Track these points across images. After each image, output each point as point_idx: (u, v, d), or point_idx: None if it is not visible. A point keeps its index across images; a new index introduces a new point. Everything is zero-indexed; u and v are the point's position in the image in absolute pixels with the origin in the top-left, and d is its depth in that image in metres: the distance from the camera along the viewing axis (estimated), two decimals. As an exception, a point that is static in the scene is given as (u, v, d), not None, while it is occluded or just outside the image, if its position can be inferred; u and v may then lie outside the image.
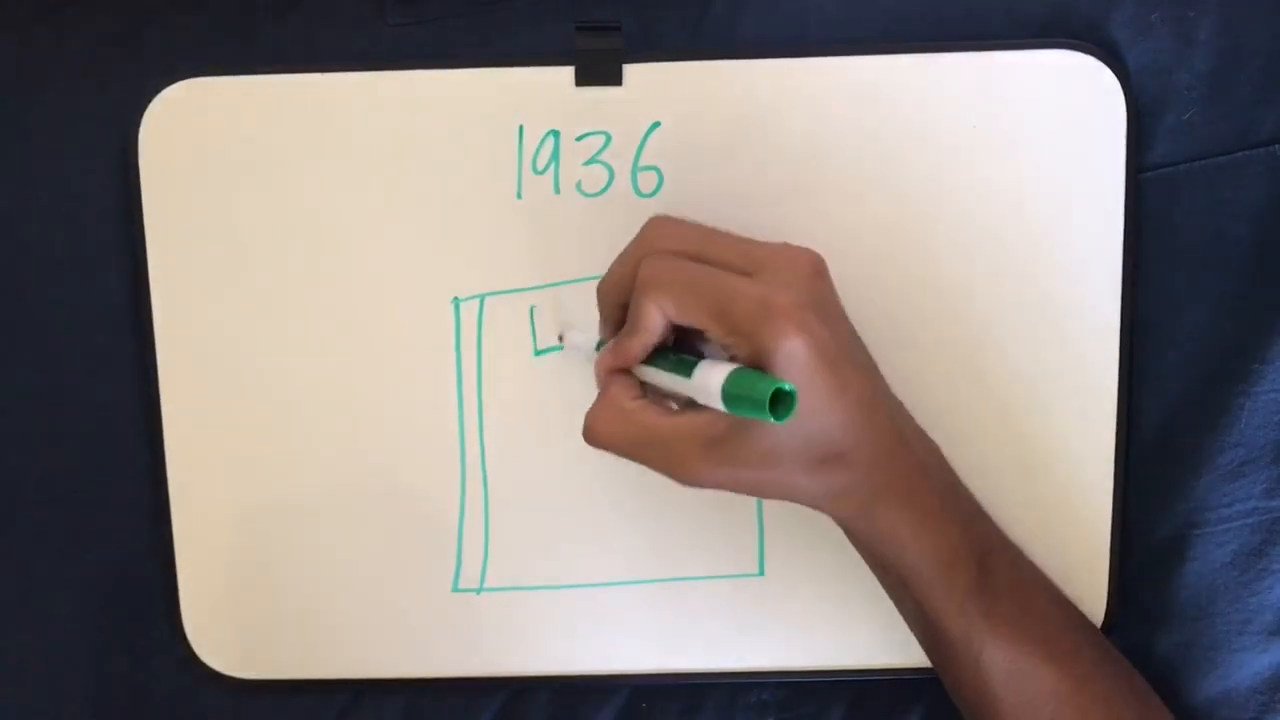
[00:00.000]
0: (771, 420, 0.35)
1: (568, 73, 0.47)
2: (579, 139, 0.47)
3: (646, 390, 0.42)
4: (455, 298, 0.48)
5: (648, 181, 0.47)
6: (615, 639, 0.50)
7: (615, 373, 0.41)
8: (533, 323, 0.48)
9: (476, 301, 0.48)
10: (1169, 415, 0.48)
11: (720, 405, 0.37)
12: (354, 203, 0.48)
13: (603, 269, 0.48)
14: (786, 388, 0.35)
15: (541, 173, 0.47)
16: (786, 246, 0.40)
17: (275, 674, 0.51)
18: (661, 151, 0.47)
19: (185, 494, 0.49)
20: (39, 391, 0.50)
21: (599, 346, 0.44)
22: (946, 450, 0.46)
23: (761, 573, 0.50)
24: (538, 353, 0.49)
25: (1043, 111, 0.47)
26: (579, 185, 0.48)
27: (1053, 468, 0.49)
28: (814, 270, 0.40)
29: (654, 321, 0.39)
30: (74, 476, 0.50)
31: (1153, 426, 0.48)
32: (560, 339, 0.48)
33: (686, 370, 0.39)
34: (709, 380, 0.37)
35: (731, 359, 0.39)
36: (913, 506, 0.41)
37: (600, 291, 0.43)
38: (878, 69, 0.47)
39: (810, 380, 0.37)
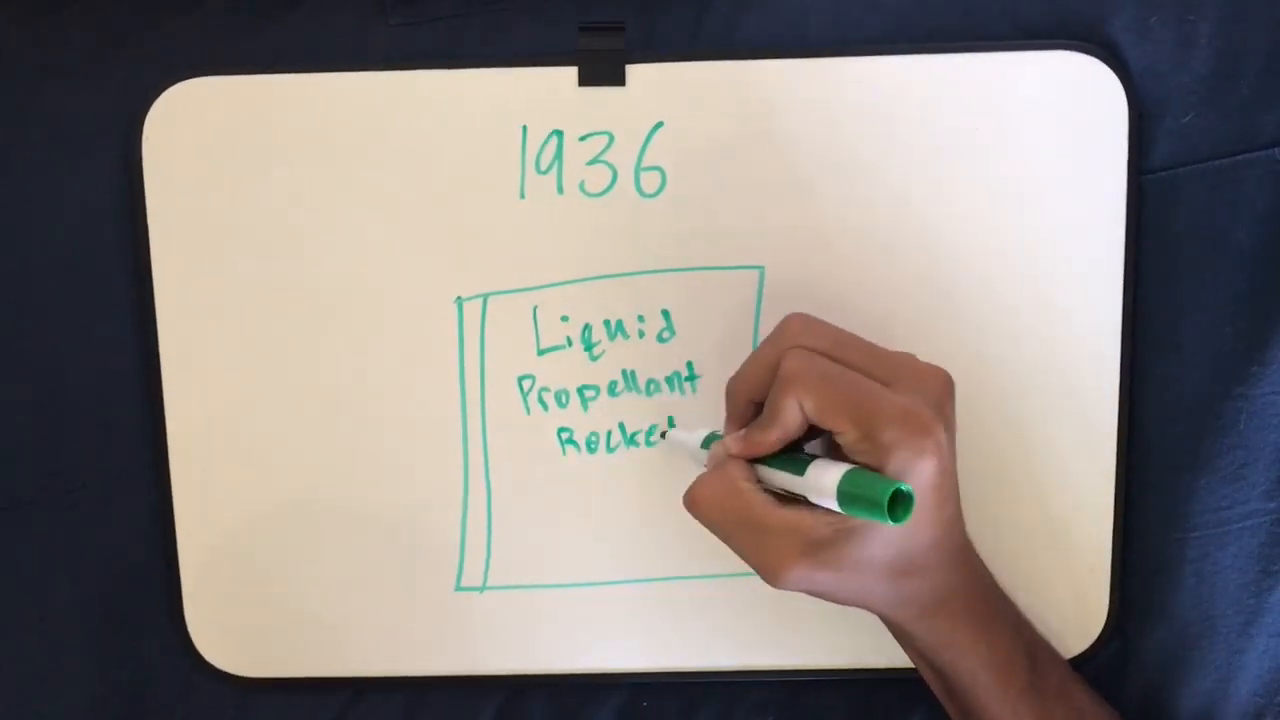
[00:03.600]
0: (889, 522, 0.36)
1: (570, 73, 0.47)
2: (582, 139, 0.47)
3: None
4: (458, 297, 0.48)
5: (651, 181, 0.48)
6: (615, 638, 0.50)
7: (735, 457, 0.41)
8: (535, 322, 0.49)
9: (480, 301, 0.48)
10: (1169, 417, 0.48)
11: (833, 502, 0.37)
12: (356, 203, 0.48)
13: (606, 269, 0.48)
14: (905, 489, 0.36)
15: (545, 173, 0.48)
16: (917, 361, 0.41)
17: (278, 672, 0.51)
18: (664, 151, 0.47)
19: (188, 492, 0.50)
20: (42, 391, 0.50)
21: (706, 443, 0.44)
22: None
23: (762, 572, 0.50)
24: (540, 352, 0.49)
25: (1044, 113, 0.47)
26: (582, 185, 0.48)
27: (1053, 469, 0.49)
28: (946, 390, 0.40)
29: (793, 418, 0.39)
30: (77, 475, 0.50)
31: (1153, 428, 0.48)
32: (663, 435, 0.48)
33: (799, 467, 0.39)
34: (823, 478, 0.38)
35: (847, 463, 0.39)
36: (971, 613, 0.42)
37: (733, 388, 0.43)
38: (879, 70, 0.47)
39: (925, 499, 0.38)
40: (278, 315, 0.49)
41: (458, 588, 0.50)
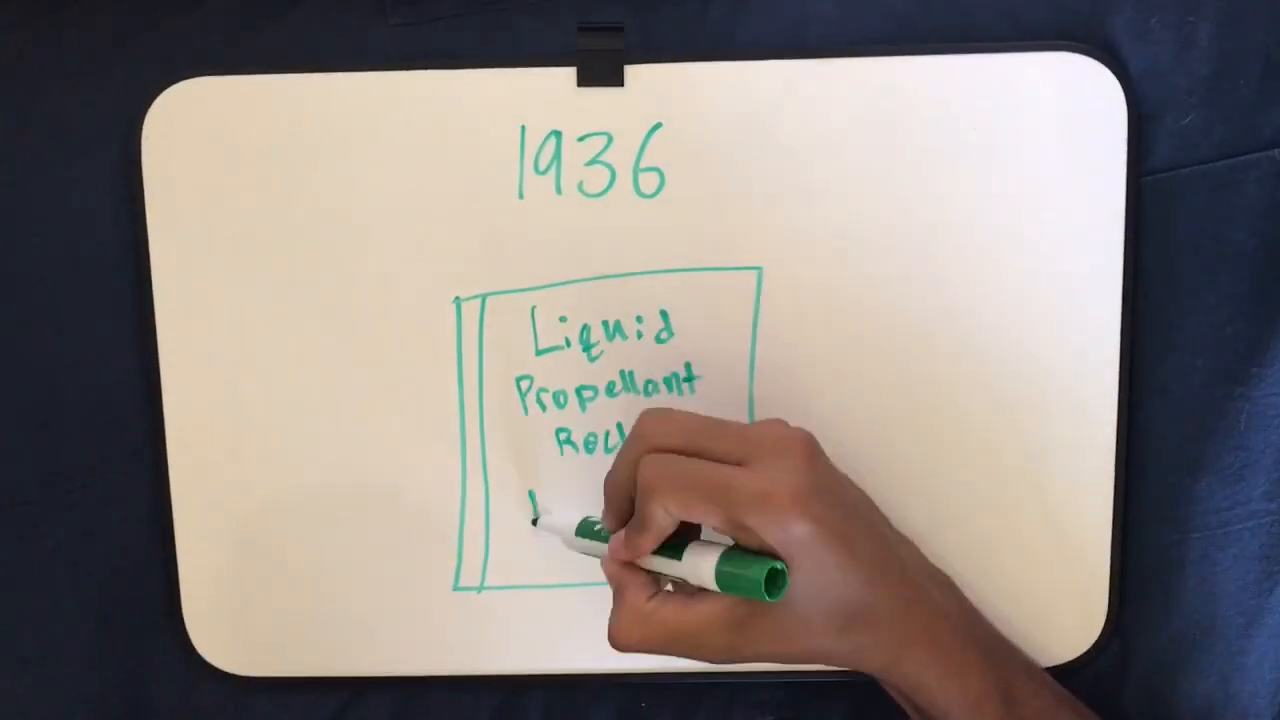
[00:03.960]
0: (767, 599, 0.38)
1: (569, 73, 0.47)
2: (581, 139, 0.47)
3: (659, 579, 0.43)
4: (457, 297, 0.48)
5: (649, 182, 0.48)
6: (615, 638, 0.50)
7: (625, 570, 0.42)
8: (534, 322, 0.49)
9: (478, 301, 0.48)
10: (1169, 418, 0.48)
11: (714, 587, 0.40)
12: (355, 202, 0.48)
13: (604, 269, 0.48)
14: (779, 566, 0.38)
15: (543, 173, 0.48)
16: (777, 428, 0.41)
17: (276, 671, 0.51)
18: (663, 152, 0.47)
19: (187, 492, 0.50)
20: (41, 390, 0.50)
21: (581, 529, 0.46)
22: (948, 455, 0.46)
23: (761, 573, 0.50)
24: (539, 352, 0.49)
25: (1043, 114, 0.47)
26: (581, 186, 0.48)
27: (1053, 471, 0.48)
28: (807, 452, 0.41)
29: (661, 522, 0.40)
30: (76, 475, 0.50)
31: (1153, 429, 0.48)
32: (534, 522, 0.49)
33: (676, 553, 0.41)
34: (699, 565, 0.40)
35: (737, 543, 0.40)
36: (935, 652, 0.42)
37: (608, 487, 0.43)
38: (878, 71, 0.47)
39: (820, 559, 0.39)
40: (277, 315, 0.49)
41: (455, 587, 0.50)
